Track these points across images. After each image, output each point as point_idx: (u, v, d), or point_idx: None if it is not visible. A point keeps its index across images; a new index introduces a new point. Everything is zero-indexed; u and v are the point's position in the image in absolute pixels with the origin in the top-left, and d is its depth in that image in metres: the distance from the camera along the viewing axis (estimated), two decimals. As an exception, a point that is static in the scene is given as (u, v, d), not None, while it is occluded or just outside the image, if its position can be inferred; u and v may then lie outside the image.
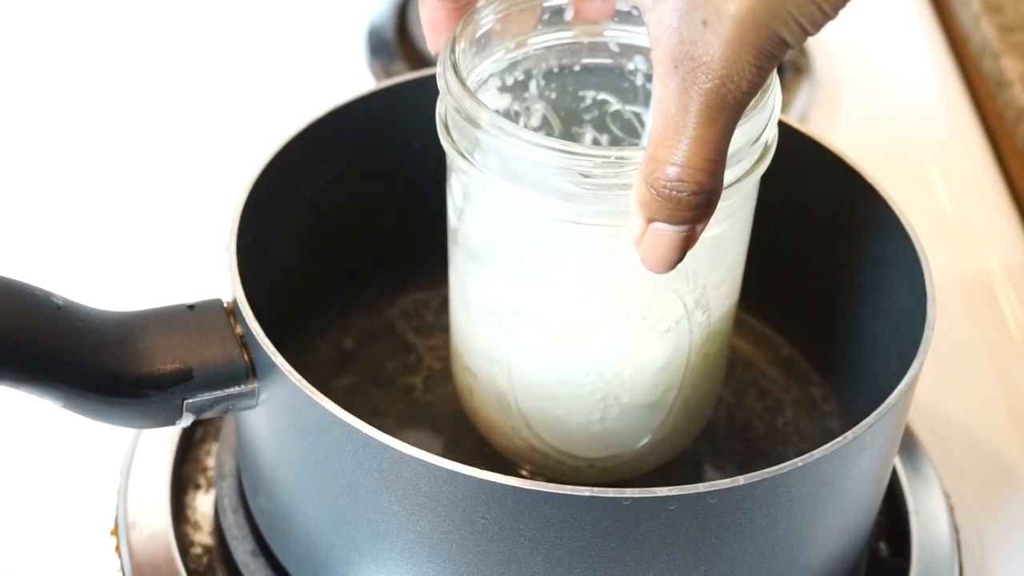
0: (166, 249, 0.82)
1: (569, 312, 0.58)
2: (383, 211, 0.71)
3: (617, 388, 0.60)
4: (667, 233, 0.48)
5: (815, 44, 1.01)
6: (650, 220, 0.48)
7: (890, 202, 0.63)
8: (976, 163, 0.94)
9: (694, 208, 0.47)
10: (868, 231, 0.65)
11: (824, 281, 0.69)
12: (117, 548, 0.66)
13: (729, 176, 0.52)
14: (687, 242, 0.48)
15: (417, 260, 0.72)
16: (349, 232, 0.70)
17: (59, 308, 0.54)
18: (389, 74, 0.94)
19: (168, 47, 0.97)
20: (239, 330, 0.57)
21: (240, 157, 0.69)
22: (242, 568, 0.64)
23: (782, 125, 0.66)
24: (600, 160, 0.51)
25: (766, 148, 0.55)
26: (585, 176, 0.51)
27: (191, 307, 0.57)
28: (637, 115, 0.62)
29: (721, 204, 0.48)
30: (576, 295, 0.57)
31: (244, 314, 0.55)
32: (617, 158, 0.51)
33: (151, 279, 0.79)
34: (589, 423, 0.61)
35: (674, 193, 0.46)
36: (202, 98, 0.93)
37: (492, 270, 0.58)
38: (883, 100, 0.99)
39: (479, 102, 0.53)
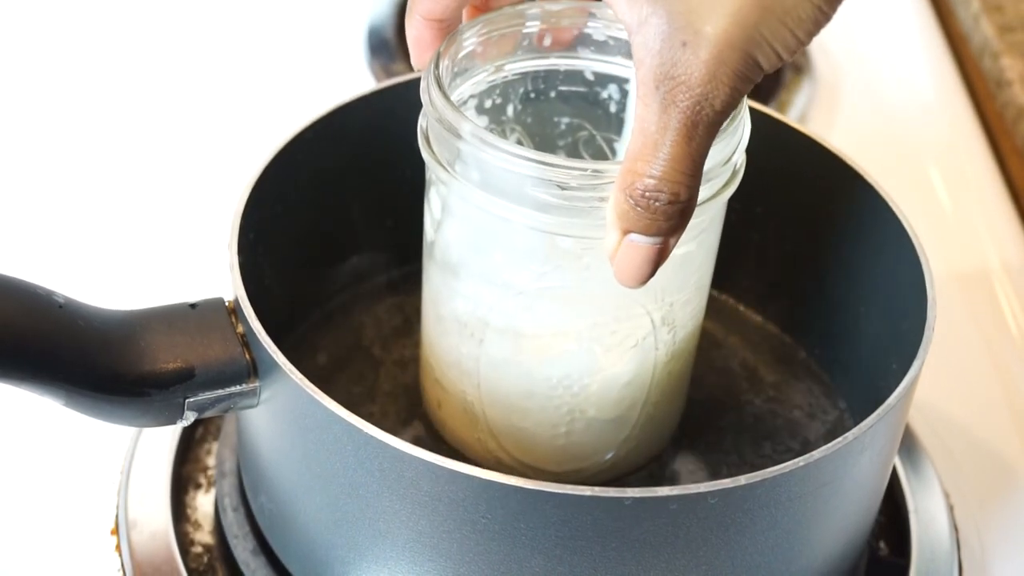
0: (168, 248, 0.82)
1: (540, 323, 0.58)
2: (384, 210, 0.71)
3: (583, 401, 0.60)
4: (642, 245, 0.49)
5: (815, 44, 1.01)
6: (626, 232, 0.49)
7: (890, 202, 0.63)
8: (976, 162, 0.94)
9: (669, 218, 0.48)
10: (868, 231, 0.65)
11: (824, 281, 0.69)
12: (117, 547, 0.66)
13: (699, 196, 0.53)
14: (660, 255, 0.50)
15: (419, 259, 0.72)
16: (350, 231, 0.70)
17: (61, 307, 0.54)
18: (389, 74, 0.94)
19: (169, 47, 0.97)
20: (240, 329, 0.57)
21: (241, 156, 0.69)
22: (242, 567, 0.64)
23: (782, 125, 0.67)
24: (577, 172, 0.52)
25: (734, 172, 0.57)
26: (562, 188, 0.53)
27: (193, 306, 0.57)
28: (609, 142, 0.63)
29: (691, 222, 0.50)
30: (548, 307, 0.58)
31: (246, 313, 0.56)
32: (594, 171, 0.52)
33: (153, 278, 0.79)
34: (555, 436, 0.61)
35: (651, 203, 0.48)
36: (203, 98, 0.93)
37: (466, 281, 0.59)
38: (883, 100, 0.99)
39: (461, 113, 0.55)
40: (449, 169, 0.56)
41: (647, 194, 0.48)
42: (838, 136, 0.93)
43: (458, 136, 0.54)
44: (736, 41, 0.46)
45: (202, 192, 0.85)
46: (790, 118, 0.69)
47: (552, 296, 0.57)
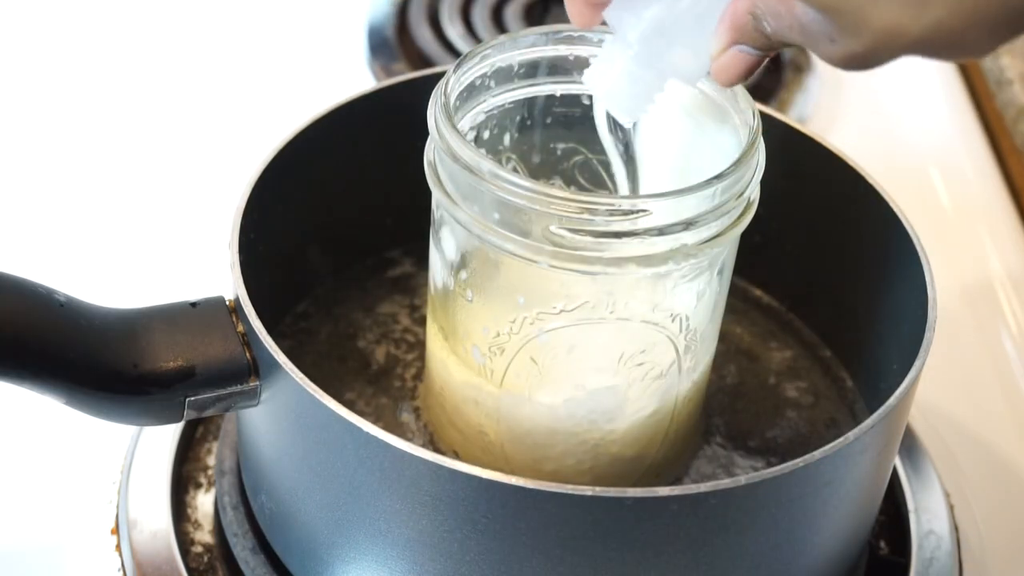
0: (168, 247, 0.82)
1: (566, 360, 0.58)
2: (384, 210, 0.71)
3: (608, 436, 0.60)
4: (749, 55, 0.51)
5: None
6: (735, 43, 0.51)
7: (890, 202, 0.63)
8: (976, 162, 0.94)
9: (774, 46, 0.50)
10: (869, 231, 0.65)
11: (824, 281, 0.69)
12: (118, 547, 0.66)
13: (715, 228, 0.54)
14: (758, 64, 0.52)
15: (419, 257, 0.72)
16: (350, 230, 0.70)
17: (61, 305, 0.54)
18: (389, 73, 0.94)
19: (170, 47, 0.97)
20: (241, 328, 0.57)
21: (242, 156, 0.69)
22: (242, 565, 0.64)
23: (783, 125, 0.67)
24: (605, 208, 0.52)
25: (749, 204, 0.57)
26: (591, 223, 0.52)
27: (193, 304, 0.57)
28: (605, 165, 0.63)
29: (709, 251, 0.52)
30: (573, 343, 0.57)
31: (246, 312, 0.55)
32: (622, 205, 0.52)
33: (153, 277, 0.79)
34: (579, 473, 0.61)
35: (765, 27, 0.50)
36: (204, 97, 0.93)
37: (486, 321, 0.58)
38: (883, 99, 0.99)
39: (480, 153, 0.54)
40: (466, 209, 0.55)
41: (763, 31, 0.50)
42: (838, 136, 0.92)
43: (478, 176, 0.53)
44: None
45: (202, 192, 0.85)
46: (790, 118, 0.69)
47: (578, 333, 0.57)
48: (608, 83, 0.55)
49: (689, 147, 0.60)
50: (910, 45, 0.47)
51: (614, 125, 0.60)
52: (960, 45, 0.47)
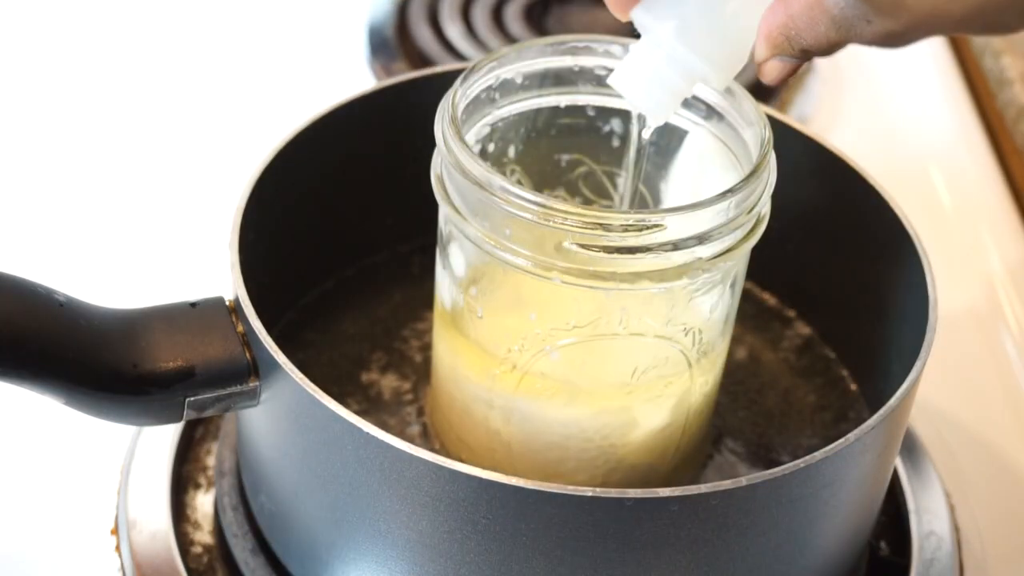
0: (168, 247, 0.82)
1: (577, 377, 0.58)
2: (384, 210, 0.71)
3: (621, 450, 0.60)
4: (787, 62, 0.53)
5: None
6: (774, 56, 0.53)
7: (891, 202, 0.63)
8: (977, 162, 0.94)
9: (808, 58, 0.53)
10: (869, 232, 0.65)
11: (824, 282, 0.69)
12: (117, 547, 0.65)
13: (729, 241, 0.54)
14: (800, 66, 0.53)
15: (419, 258, 0.72)
16: (350, 230, 0.70)
17: (61, 305, 0.54)
18: (390, 73, 0.94)
19: (170, 46, 0.97)
20: (241, 328, 0.57)
21: (242, 155, 0.69)
22: (242, 566, 0.64)
23: (783, 125, 0.67)
24: (619, 223, 0.52)
25: (759, 219, 0.56)
26: (605, 239, 0.52)
27: (193, 305, 0.57)
28: (610, 176, 0.63)
29: (722, 266, 0.52)
30: (586, 360, 0.57)
31: (246, 312, 0.55)
32: (636, 220, 0.52)
33: (153, 277, 0.79)
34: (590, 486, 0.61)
35: (800, 50, 0.52)
36: (204, 97, 0.93)
37: (497, 338, 0.58)
38: (884, 99, 0.99)
39: (491, 169, 0.53)
40: (476, 224, 0.54)
41: (800, 48, 0.51)
42: (839, 136, 0.92)
43: (488, 191, 0.53)
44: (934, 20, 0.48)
45: (202, 192, 0.85)
46: (791, 118, 0.69)
47: (590, 348, 0.57)
48: (636, 82, 0.55)
49: (700, 186, 0.60)
50: (950, 25, 0.48)
51: (622, 126, 0.61)
52: (999, 24, 0.48)
